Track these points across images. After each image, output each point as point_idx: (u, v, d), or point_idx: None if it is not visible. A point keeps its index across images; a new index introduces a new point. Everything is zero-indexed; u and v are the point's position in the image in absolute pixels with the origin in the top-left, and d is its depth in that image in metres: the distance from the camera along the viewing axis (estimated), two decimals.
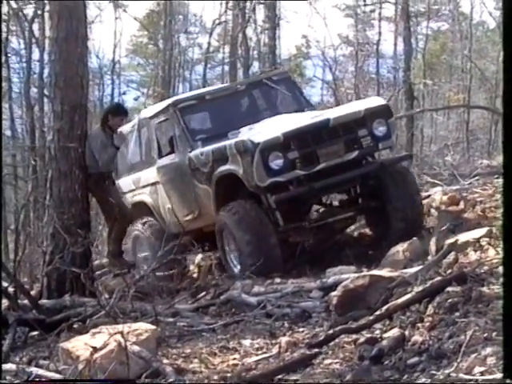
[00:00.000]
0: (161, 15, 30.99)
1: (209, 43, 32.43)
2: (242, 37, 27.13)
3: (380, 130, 9.78)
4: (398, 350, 5.12)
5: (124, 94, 35.35)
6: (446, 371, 4.45)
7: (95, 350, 5.50)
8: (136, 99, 36.47)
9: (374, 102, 10.38)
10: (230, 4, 29.02)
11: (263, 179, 9.26)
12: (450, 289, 5.74)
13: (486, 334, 4.89)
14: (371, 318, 5.78)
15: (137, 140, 11.71)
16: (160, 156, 11.10)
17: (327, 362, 5.30)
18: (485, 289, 5.73)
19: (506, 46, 4.31)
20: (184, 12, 34.58)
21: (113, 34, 34.75)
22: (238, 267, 9.48)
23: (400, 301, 5.85)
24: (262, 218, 9.45)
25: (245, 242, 9.28)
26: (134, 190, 11.71)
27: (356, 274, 6.97)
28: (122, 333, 5.52)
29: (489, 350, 4.58)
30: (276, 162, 9.30)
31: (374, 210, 10.17)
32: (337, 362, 5.25)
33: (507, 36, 4.31)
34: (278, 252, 9.40)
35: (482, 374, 4.23)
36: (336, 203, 10.83)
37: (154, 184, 11.26)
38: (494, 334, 4.89)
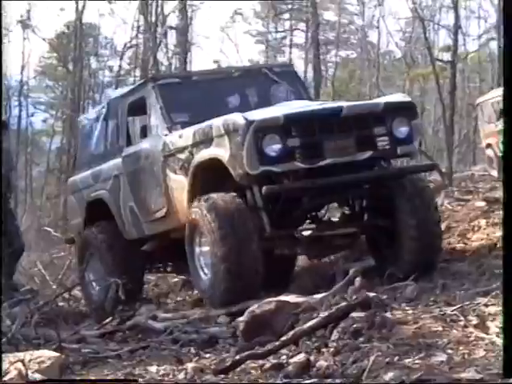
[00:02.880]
0: (71, 37, 30.81)
1: (120, 66, 32.52)
2: (152, 60, 27.21)
3: (401, 130, 8.11)
4: (303, 375, 5.14)
5: (32, 115, 35.11)
6: None
7: None
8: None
9: (397, 97, 8.82)
10: (142, 28, 29.08)
11: (254, 166, 7.62)
12: (354, 314, 5.82)
13: (388, 359, 4.98)
14: (277, 343, 5.79)
15: (103, 127, 10.15)
16: (128, 144, 9.56)
17: None
18: (388, 314, 5.86)
19: (506, 45, 4.35)
20: (95, 34, 34.46)
21: (21, 55, 34.84)
22: (208, 275, 7.98)
23: (306, 326, 5.88)
24: (245, 216, 7.77)
25: (220, 243, 7.65)
26: (91, 186, 10.15)
27: (263, 300, 6.96)
28: (22, 361, 5.47)
29: (390, 374, 4.66)
30: (272, 148, 7.66)
31: (380, 229, 8.41)
32: None
33: (507, 35, 4.32)
34: (259, 265, 7.80)
35: None
36: (335, 219, 8.96)
37: (116, 177, 9.62)
38: (396, 358, 5.00)
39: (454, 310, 5.97)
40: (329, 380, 4.25)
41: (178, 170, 8.47)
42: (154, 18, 28.58)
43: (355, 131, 7.98)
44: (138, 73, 29.95)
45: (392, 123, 8.06)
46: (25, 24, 29.84)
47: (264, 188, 7.60)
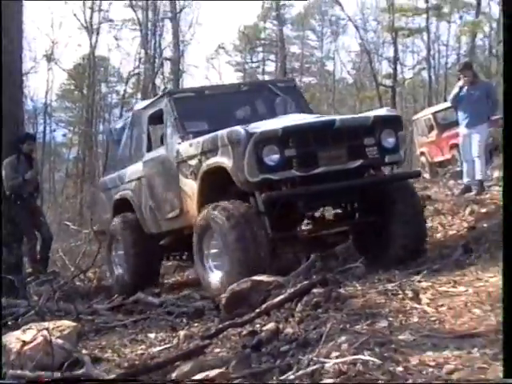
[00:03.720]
0: (85, 67, 30.71)
1: (125, 90, 32.50)
2: (151, 86, 27.22)
3: (388, 141, 7.58)
4: (273, 340, 5.14)
5: (54, 131, 35.04)
6: (310, 356, 4.51)
7: (25, 343, 5.41)
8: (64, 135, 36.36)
9: (385, 111, 8.23)
10: (143, 59, 29.08)
11: (254, 174, 7.05)
12: (315, 290, 5.82)
13: (341, 326, 4.98)
14: (253, 314, 5.80)
15: (128, 135, 9.70)
16: (149, 150, 9.09)
17: (217, 350, 5.29)
18: (341, 290, 5.86)
19: (506, 45, 3.93)
20: (105, 65, 34.37)
21: (45, 82, 34.87)
22: (215, 272, 7.45)
23: (276, 300, 5.90)
24: (253, 220, 7.18)
25: (234, 248, 7.07)
26: (118, 187, 9.75)
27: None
28: (47, 329, 5.44)
29: (343, 338, 4.67)
30: (271, 157, 7.09)
31: (369, 228, 7.83)
32: (224, 351, 5.24)
33: (507, 35, 3.91)
34: (267, 263, 7.22)
35: (336, 357, 4.31)
36: (329, 217, 8.39)
37: (138, 179, 9.19)
38: (348, 325, 5.00)
39: (394, 285, 5.98)
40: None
41: (188, 175, 7.96)
42: (152, 52, 28.62)
43: (347, 142, 7.44)
44: (139, 96, 29.84)
45: (380, 134, 7.55)
46: (49, 57, 29.71)
47: (263, 195, 7.08)
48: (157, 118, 8.89)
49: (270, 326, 5.40)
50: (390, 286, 5.96)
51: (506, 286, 3.68)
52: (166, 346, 5.88)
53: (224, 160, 7.31)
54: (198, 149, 7.76)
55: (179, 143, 8.16)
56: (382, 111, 8.11)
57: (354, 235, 8.15)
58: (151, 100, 9.27)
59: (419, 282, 6.11)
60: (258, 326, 5.59)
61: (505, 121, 3.86)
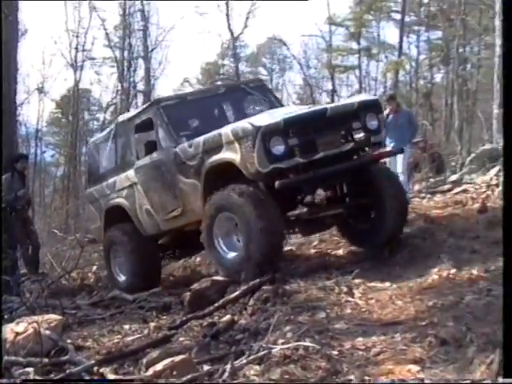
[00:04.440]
0: (71, 98, 30.47)
1: (104, 118, 32.17)
2: None
3: (372, 123, 7.04)
4: (229, 330, 5.13)
5: (44, 152, 34.73)
6: (260, 343, 4.52)
7: (18, 334, 5.33)
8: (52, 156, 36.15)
9: (365, 96, 7.65)
10: (119, 91, 29.03)
11: (265, 165, 6.43)
12: (264, 287, 5.84)
13: (286, 317, 5.00)
14: (212, 308, 5.80)
15: (112, 147, 8.73)
16: (138, 157, 8.20)
17: (181, 339, 5.27)
18: (287, 287, 5.85)
19: (506, 44, 3.67)
20: (87, 96, 34.14)
21: (37, 111, 35.06)
22: (229, 253, 6.73)
23: (231, 296, 5.91)
24: (268, 200, 6.55)
25: (256, 222, 6.34)
26: (107, 196, 8.77)
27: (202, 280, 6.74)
28: (37, 322, 5.37)
29: (288, 327, 4.68)
30: (277, 148, 6.51)
31: (361, 207, 7.18)
32: (188, 339, 5.22)
33: (506, 34, 3.61)
34: (283, 240, 6.75)
35: (282, 344, 4.32)
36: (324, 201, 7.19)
37: (130, 186, 8.28)
38: (292, 316, 5.01)
39: (331, 282, 5.99)
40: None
41: (190, 174, 7.20)
42: (127, 85, 28.56)
43: (339, 127, 6.89)
44: None
45: (365, 118, 7.01)
46: (40, 90, 29.47)
47: (277, 182, 6.41)
48: (144, 127, 8.14)
49: (227, 318, 5.40)
50: (328, 283, 5.97)
51: (506, 286, 3.41)
52: (138, 336, 5.81)
53: (231, 155, 6.67)
54: (198, 148, 7.08)
55: (175, 147, 7.45)
56: (363, 97, 7.49)
57: (346, 218, 7.34)
58: (136, 111, 8.53)
59: (353, 279, 6.11)
60: (216, 318, 5.59)
61: (505, 121, 3.56)
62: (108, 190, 8.73)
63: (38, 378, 4.54)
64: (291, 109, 7.54)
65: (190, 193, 7.26)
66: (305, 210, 6.79)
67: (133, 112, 8.80)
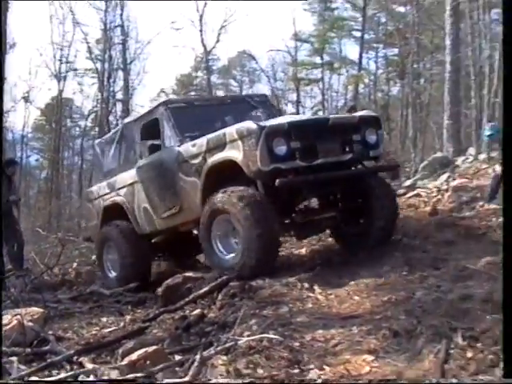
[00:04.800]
0: (54, 106, 30.19)
1: (85, 125, 31.96)
2: (106, 121, 27.03)
3: (371, 137, 6.87)
4: (199, 322, 5.10)
5: (29, 156, 34.44)
6: (228, 335, 4.50)
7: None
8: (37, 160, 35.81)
9: (367, 112, 7.49)
10: (99, 100, 28.88)
11: (266, 164, 6.18)
12: (231, 283, 5.83)
13: (252, 311, 4.99)
14: (183, 302, 5.76)
15: (117, 148, 8.45)
16: (141, 158, 7.89)
17: (155, 331, 5.24)
18: (253, 283, 5.83)
19: (506, 43, 3.46)
20: (70, 104, 33.82)
21: (22, 118, 35.48)
22: (226, 254, 6.49)
23: (201, 291, 5.87)
24: (267, 204, 6.29)
25: (254, 225, 6.10)
26: (107, 194, 8.47)
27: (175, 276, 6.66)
28: (21, 314, 5.31)
29: (253, 321, 4.67)
30: (280, 149, 6.25)
31: (352, 211, 7.02)
32: (161, 331, 5.19)
33: (506, 34, 3.49)
34: (279, 240, 6.48)
35: (248, 336, 4.30)
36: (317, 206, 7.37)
37: (131, 184, 8.00)
38: (257, 310, 5.00)
39: (294, 279, 5.98)
40: None
41: (191, 173, 6.93)
42: (107, 94, 28.41)
43: (339, 137, 6.69)
44: (97, 129, 29.37)
45: (365, 132, 6.84)
46: (26, 99, 29.19)
47: (277, 181, 6.14)
48: (150, 127, 7.78)
49: (197, 311, 5.36)
50: (291, 279, 5.94)
51: (506, 286, 3.28)
52: (114, 328, 5.77)
53: (233, 153, 6.41)
54: (202, 148, 6.81)
55: (178, 146, 7.19)
56: (365, 112, 7.43)
57: (338, 223, 7.14)
58: (143, 113, 8.19)
59: (314, 276, 6.11)
60: (187, 311, 5.55)
61: (505, 121, 3.44)
62: (108, 189, 8.48)
63: (21, 366, 4.44)
64: (295, 116, 7.35)
65: (190, 191, 7.00)
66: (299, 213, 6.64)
67: (138, 114, 8.54)
